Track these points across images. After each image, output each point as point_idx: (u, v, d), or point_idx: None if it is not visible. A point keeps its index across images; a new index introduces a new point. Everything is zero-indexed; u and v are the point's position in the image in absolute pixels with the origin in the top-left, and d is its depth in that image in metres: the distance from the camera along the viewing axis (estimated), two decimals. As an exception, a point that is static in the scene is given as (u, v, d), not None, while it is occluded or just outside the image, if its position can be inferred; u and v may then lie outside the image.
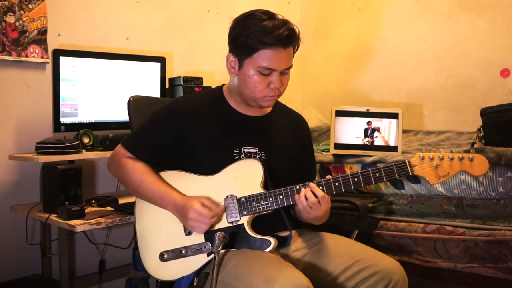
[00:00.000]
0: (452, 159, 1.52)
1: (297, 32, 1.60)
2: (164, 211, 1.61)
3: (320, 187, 1.55)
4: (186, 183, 1.63)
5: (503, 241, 1.96)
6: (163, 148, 1.67)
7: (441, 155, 1.52)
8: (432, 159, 1.52)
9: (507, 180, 1.99)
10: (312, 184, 1.55)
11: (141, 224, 1.67)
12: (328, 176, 1.58)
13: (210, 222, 1.53)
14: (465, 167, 1.51)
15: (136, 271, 1.78)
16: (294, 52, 1.63)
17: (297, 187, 1.57)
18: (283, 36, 1.53)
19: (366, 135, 2.39)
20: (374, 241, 2.23)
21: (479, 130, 2.35)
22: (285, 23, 1.56)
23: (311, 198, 1.52)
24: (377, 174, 1.54)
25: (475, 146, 2.28)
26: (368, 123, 2.39)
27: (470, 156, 1.51)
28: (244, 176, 1.60)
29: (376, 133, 2.38)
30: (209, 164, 1.63)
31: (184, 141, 1.65)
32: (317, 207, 1.54)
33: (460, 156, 1.51)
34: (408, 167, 1.54)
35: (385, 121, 2.38)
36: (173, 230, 1.61)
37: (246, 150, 1.66)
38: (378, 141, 2.38)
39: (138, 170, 1.64)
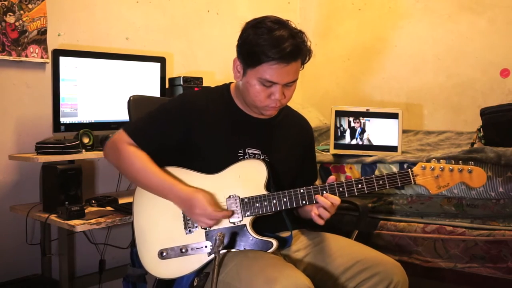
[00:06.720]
0: (452, 170, 1.57)
1: (306, 45, 1.56)
2: (164, 208, 1.60)
3: (324, 191, 1.56)
4: (189, 181, 1.61)
5: (502, 241, 1.96)
6: (167, 140, 1.64)
7: (442, 166, 1.56)
8: (433, 169, 1.57)
9: (507, 180, 1.99)
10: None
11: (140, 221, 1.64)
12: (331, 177, 1.58)
13: (217, 217, 1.54)
14: (464, 178, 1.56)
15: (133, 268, 1.75)
16: (303, 64, 1.59)
17: (301, 190, 1.57)
18: (286, 51, 1.49)
19: (353, 135, 2.38)
20: (374, 241, 2.23)
21: (479, 130, 2.36)
22: (293, 36, 1.52)
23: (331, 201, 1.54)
24: (381, 182, 1.57)
25: (475, 146, 2.28)
26: (355, 121, 2.38)
27: (469, 168, 1.56)
28: (248, 176, 1.60)
29: (365, 133, 2.38)
30: (213, 162, 1.62)
31: (189, 137, 1.64)
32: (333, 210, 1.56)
33: (460, 168, 1.56)
34: (411, 177, 1.57)
35: (382, 120, 2.39)
36: (173, 227, 1.60)
37: (250, 151, 1.66)
38: (367, 141, 2.38)
39: (140, 157, 1.60)
